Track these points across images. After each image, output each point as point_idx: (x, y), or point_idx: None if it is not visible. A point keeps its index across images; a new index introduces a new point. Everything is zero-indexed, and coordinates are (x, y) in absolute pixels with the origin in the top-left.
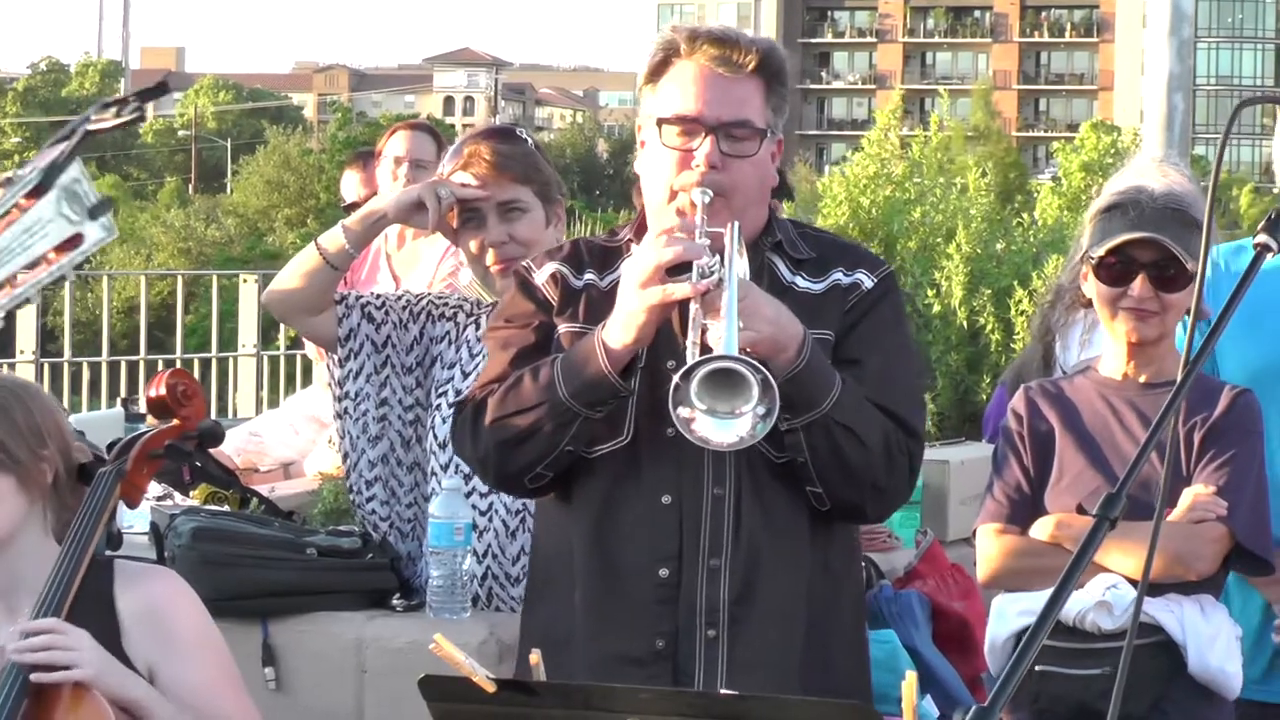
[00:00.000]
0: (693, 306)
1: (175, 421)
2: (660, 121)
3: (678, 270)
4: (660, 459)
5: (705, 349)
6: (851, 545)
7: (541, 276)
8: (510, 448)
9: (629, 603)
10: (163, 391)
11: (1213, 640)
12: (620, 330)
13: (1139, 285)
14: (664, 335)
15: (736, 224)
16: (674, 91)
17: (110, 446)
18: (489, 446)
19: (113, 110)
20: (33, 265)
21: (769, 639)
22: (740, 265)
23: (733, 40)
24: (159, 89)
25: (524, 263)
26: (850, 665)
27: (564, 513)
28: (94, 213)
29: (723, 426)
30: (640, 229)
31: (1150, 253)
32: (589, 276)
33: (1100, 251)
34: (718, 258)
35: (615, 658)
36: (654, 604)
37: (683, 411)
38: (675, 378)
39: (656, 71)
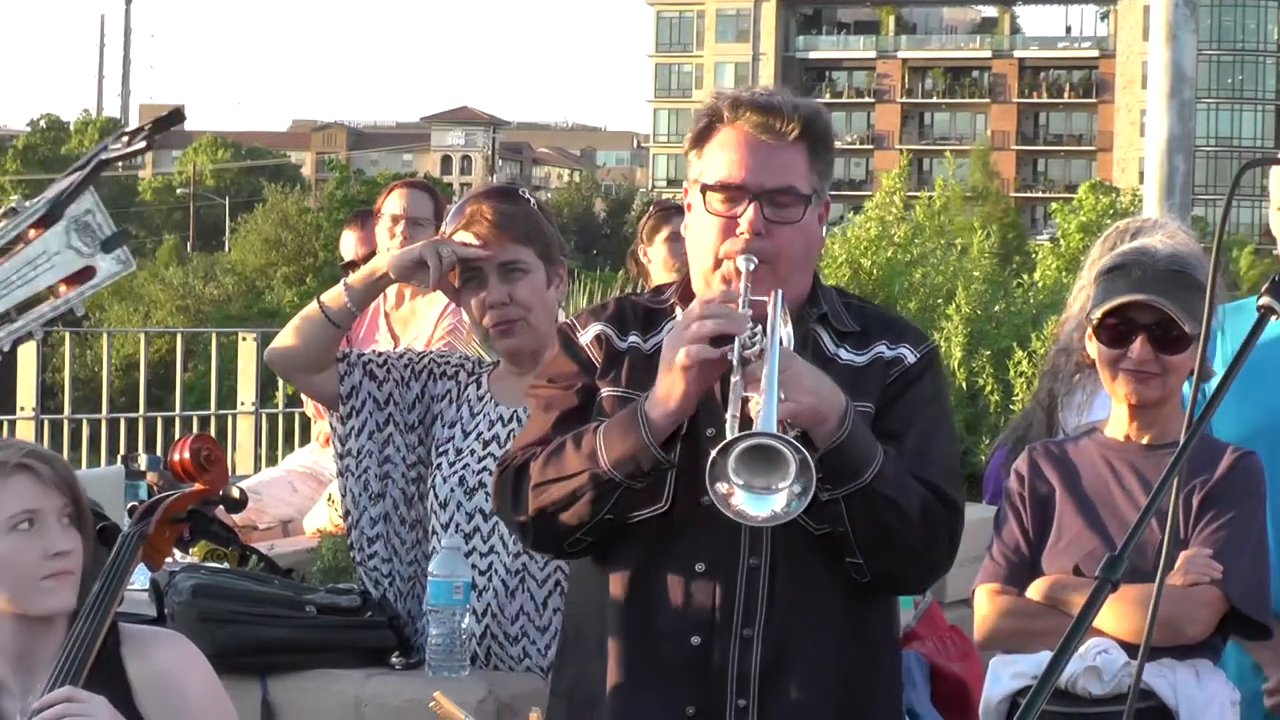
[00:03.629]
0: (733, 378)
1: (198, 485)
2: (704, 188)
3: (720, 342)
4: (696, 527)
5: (745, 422)
6: (890, 618)
7: (586, 337)
8: (551, 515)
9: (661, 668)
10: (187, 456)
11: (1206, 706)
12: (661, 402)
13: (1139, 347)
14: (705, 404)
15: (780, 292)
16: (718, 158)
17: (132, 510)
18: (530, 512)
19: (124, 139)
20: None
21: (800, 710)
22: (785, 333)
23: (775, 107)
24: (173, 117)
25: (568, 321)
26: None
27: (599, 575)
28: (107, 245)
29: (758, 502)
30: (685, 291)
31: (1150, 314)
32: (633, 339)
33: (1099, 313)
34: (760, 328)
35: None
36: (685, 671)
37: (720, 487)
38: (713, 453)
39: (701, 137)
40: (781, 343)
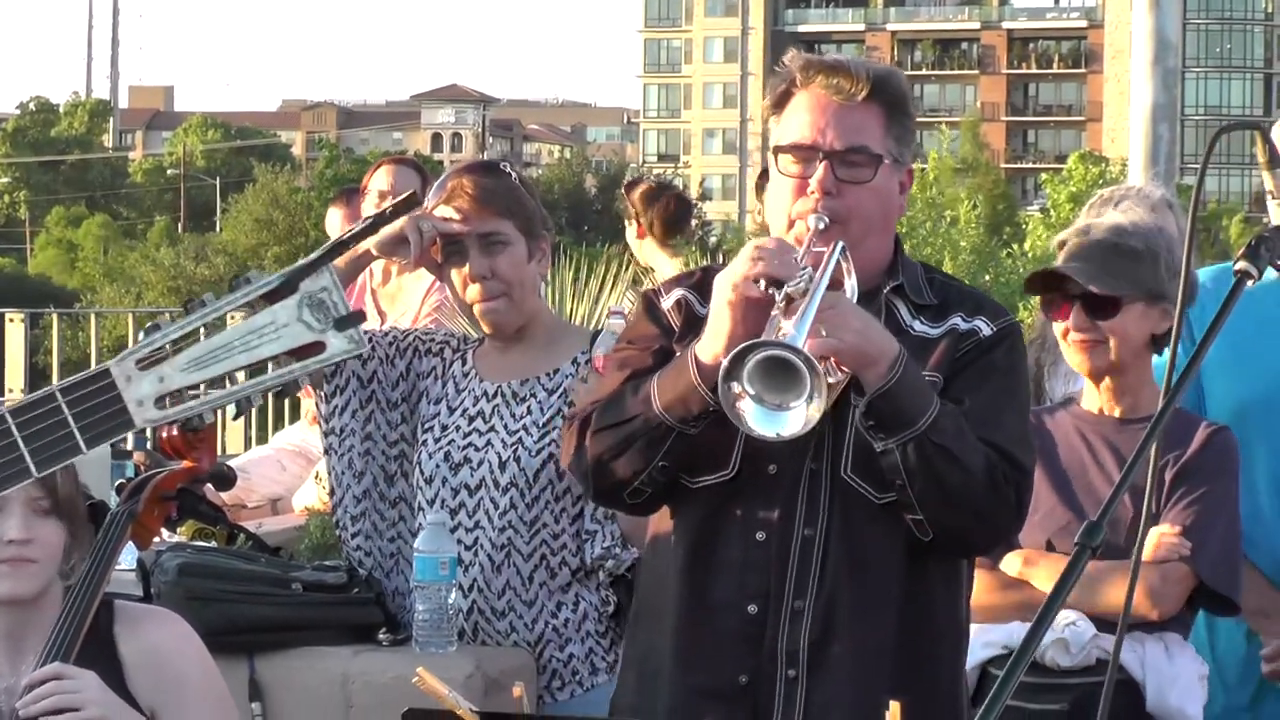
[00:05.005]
0: (774, 311)
1: (186, 463)
2: (776, 150)
3: (770, 286)
4: (759, 496)
5: None
6: (955, 594)
7: (667, 302)
8: (608, 462)
9: (717, 636)
10: (175, 433)
11: (1174, 680)
12: (709, 341)
13: (1072, 315)
14: None
15: (840, 242)
16: (792, 121)
17: (120, 488)
18: (589, 459)
19: (360, 223)
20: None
21: (848, 683)
22: (849, 285)
23: (844, 68)
24: (408, 201)
25: (654, 288)
26: (942, 714)
27: (668, 549)
28: (341, 324)
29: (766, 418)
30: None
31: (1077, 285)
32: None
33: (1033, 288)
34: (810, 269)
35: (699, 691)
36: (741, 640)
37: (733, 386)
38: (725, 360)
39: (779, 103)
40: (845, 292)
